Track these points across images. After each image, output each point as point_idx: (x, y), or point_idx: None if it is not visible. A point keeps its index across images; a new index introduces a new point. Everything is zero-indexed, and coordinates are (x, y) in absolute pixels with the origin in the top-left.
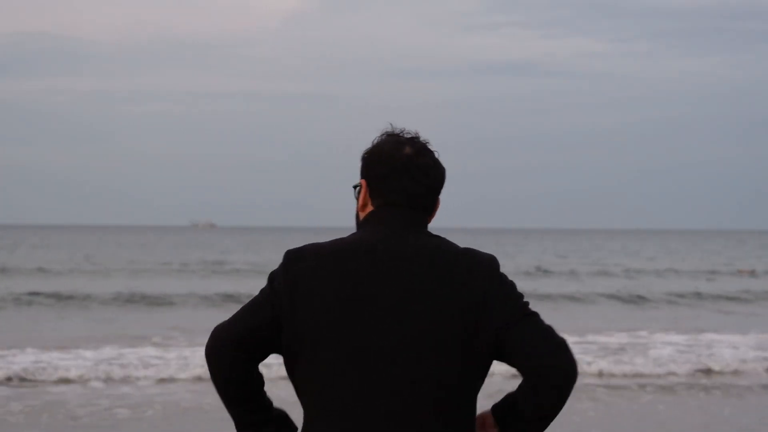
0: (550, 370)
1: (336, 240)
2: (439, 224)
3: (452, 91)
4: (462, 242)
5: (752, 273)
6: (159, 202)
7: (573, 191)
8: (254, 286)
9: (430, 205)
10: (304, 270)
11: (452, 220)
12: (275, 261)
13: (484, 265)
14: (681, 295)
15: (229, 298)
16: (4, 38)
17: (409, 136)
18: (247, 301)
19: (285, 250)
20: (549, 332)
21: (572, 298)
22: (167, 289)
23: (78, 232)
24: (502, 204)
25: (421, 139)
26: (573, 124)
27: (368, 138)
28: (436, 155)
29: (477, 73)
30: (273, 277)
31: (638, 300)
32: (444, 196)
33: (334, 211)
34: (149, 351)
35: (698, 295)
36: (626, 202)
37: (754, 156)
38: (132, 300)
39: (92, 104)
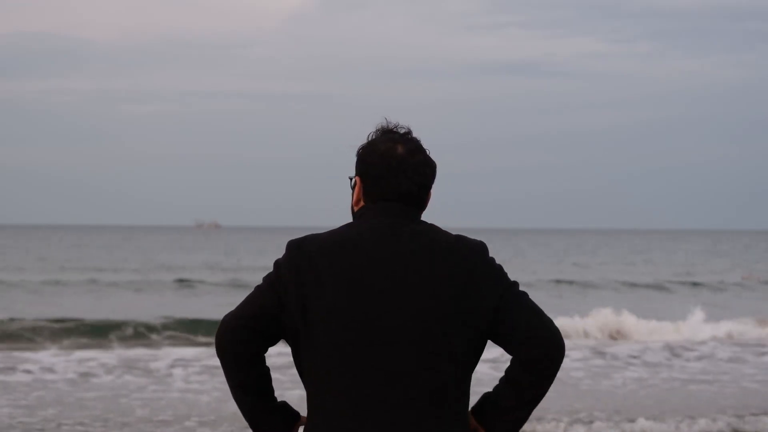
0: (541, 342)
1: (334, 231)
2: (439, 225)
3: (452, 91)
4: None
5: (758, 279)
6: (162, 202)
7: (573, 191)
8: None
9: (421, 201)
10: (307, 258)
11: (453, 220)
12: None
13: (475, 250)
14: None
15: None
16: (4, 38)
17: (402, 131)
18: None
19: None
20: (538, 310)
21: None
22: None
23: (81, 232)
24: (503, 204)
25: (413, 135)
26: (573, 124)
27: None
28: (428, 152)
29: (477, 73)
30: (278, 265)
31: None
32: (443, 196)
33: (336, 210)
34: None
35: None
36: (626, 202)
37: (754, 156)
38: None
39: (92, 104)
